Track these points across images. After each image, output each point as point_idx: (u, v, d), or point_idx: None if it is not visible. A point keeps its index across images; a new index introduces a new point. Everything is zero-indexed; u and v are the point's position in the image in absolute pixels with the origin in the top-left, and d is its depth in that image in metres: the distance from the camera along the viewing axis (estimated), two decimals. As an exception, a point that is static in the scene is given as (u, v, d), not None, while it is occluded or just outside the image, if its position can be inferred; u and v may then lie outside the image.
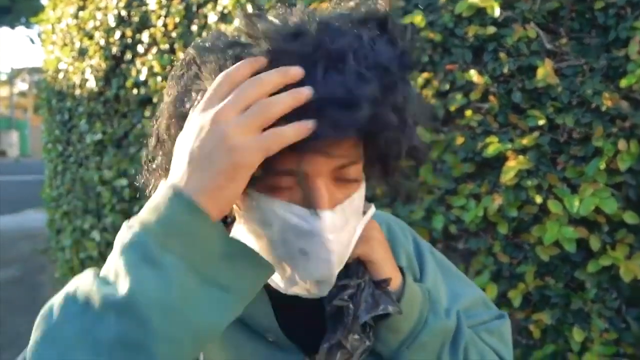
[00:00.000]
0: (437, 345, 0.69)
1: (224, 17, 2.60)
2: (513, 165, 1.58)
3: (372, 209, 0.69)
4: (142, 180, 0.66)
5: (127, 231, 0.48)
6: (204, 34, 2.65)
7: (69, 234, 4.51)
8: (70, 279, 0.52)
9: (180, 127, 0.54)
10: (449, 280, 0.82)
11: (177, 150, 0.52)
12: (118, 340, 0.44)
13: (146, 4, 3.28)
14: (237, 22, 0.56)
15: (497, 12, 1.65)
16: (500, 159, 1.65)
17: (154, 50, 3.18)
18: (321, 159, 0.54)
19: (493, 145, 1.63)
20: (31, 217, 9.21)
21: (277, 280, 0.62)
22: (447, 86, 1.79)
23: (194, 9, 2.87)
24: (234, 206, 0.62)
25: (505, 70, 1.66)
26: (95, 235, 3.92)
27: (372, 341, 0.66)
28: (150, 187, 0.65)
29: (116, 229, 3.64)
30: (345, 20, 0.55)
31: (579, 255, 1.55)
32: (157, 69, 3.09)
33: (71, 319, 0.46)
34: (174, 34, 3.02)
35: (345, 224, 0.58)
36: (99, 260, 3.89)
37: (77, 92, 4.19)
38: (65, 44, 4.46)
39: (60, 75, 4.59)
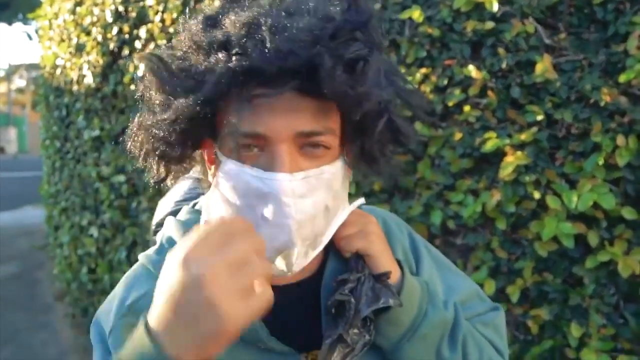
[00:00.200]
0: (436, 337, 0.69)
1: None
2: (511, 160, 1.58)
3: (361, 200, 0.72)
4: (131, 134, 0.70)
5: None
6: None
7: (67, 230, 4.50)
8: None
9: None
10: (444, 274, 0.82)
11: (160, 291, 0.49)
12: None
13: (143, 0, 3.26)
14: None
15: (495, 7, 1.64)
16: (498, 155, 1.65)
17: (152, 46, 3.17)
18: (281, 120, 0.56)
19: (491, 141, 1.63)
20: (29, 213, 9.22)
21: None
22: (445, 81, 1.78)
23: (192, 4, 2.85)
24: (209, 171, 0.66)
25: (504, 65, 1.66)
26: (93, 231, 3.91)
27: (372, 335, 0.66)
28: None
29: (114, 225, 3.65)
30: None
31: (577, 251, 1.55)
32: (154, 64, 3.07)
33: None
34: (171, 30, 3.01)
35: (309, 193, 0.59)
36: (97, 256, 3.89)
37: (75, 88, 4.17)
38: (62, 40, 4.43)
39: (58, 72, 4.57)
